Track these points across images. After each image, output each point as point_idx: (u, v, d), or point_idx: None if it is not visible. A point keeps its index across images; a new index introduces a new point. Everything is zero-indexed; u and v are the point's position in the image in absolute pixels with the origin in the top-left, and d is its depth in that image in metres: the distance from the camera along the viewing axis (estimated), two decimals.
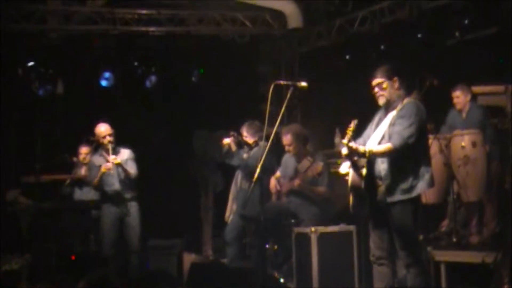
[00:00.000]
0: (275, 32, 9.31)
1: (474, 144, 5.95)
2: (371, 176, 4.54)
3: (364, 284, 5.97)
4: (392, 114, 4.60)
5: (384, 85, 4.62)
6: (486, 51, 7.11)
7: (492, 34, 7.10)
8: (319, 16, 9.03)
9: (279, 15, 9.14)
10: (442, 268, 5.67)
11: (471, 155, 5.93)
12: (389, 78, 4.63)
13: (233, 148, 6.75)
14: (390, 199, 4.50)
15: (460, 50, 7.39)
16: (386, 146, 4.46)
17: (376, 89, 4.67)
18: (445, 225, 6.45)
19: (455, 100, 6.52)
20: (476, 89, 6.21)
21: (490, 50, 7.06)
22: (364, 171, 4.51)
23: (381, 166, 4.53)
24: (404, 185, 4.49)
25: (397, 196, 4.49)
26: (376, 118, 4.76)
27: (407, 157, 4.48)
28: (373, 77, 4.68)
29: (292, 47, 9.64)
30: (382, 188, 4.52)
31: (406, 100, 4.62)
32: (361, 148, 4.41)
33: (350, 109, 8.07)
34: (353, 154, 4.43)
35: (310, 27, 9.15)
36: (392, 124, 4.53)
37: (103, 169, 6.61)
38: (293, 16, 8.97)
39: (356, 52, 8.52)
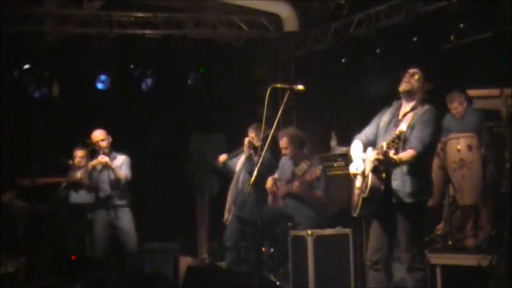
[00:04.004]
0: (271, 35, 9.32)
1: (469, 148, 5.97)
2: (389, 178, 4.52)
3: (360, 287, 5.97)
4: (409, 115, 4.56)
5: (416, 77, 4.61)
6: (482, 55, 7.13)
7: (488, 38, 7.12)
8: (315, 20, 9.04)
9: (275, 19, 9.15)
10: (438, 271, 5.69)
11: (467, 158, 5.95)
12: (427, 79, 4.64)
13: (247, 153, 6.69)
14: (402, 201, 4.48)
15: (455, 54, 7.39)
16: (411, 153, 4.40)
17: (407, 76, 4.63)
18: (440, 228, 6.46)
19: (454, 112, 6.56)
20: (472, 92, 6.23)
21: (486, 54, 7.08)
22: (384, 174, 4.47)
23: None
24: (416, 188, 4.47)
25: (410, 199, 4.48)
26: (387, 116, 4.70)
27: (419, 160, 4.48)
28: (413, 67, 4.67)
29: (288, 51, 9.63)
30: (395, 190, 4.50)
31: (427, 106, 4.58)
32: (393, 157, 4.34)
33: (346, 113, 8.08)
34: (386, 163, 4.38)
35: (306, 31, 9.15)
36: (411, 127, 4.49)
37: (89, 166, 6.67)
38: (289, 19, 8.99)
39: (352, 56, 8.52)
